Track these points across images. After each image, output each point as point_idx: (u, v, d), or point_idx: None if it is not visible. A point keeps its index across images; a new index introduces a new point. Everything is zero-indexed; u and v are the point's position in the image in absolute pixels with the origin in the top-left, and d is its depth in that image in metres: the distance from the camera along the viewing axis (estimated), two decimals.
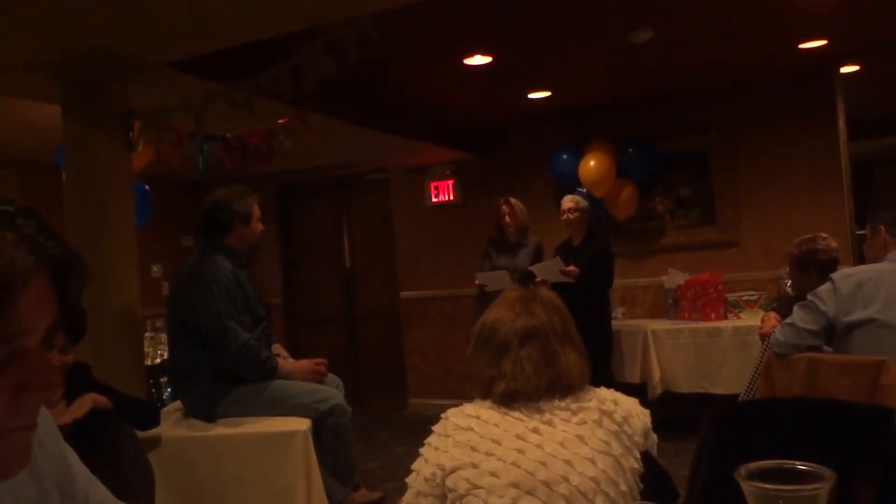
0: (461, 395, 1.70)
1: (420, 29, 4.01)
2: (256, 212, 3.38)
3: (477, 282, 5.25)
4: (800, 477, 0.89)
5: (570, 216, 5.24)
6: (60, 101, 3.46)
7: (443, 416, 1.64)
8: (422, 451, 1.62)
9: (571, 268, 4.95)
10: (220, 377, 3.17)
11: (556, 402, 1.59)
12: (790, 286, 3.96)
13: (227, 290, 3.13)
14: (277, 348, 3.53)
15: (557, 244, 5.47)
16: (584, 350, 1.71)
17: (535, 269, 5.07)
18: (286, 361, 3.37)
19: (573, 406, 1.58)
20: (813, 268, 3.35)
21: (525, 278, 4.99)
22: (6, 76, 3.55)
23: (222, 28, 3.16)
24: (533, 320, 1.67)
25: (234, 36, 3.27)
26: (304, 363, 3.40)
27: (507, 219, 5.28)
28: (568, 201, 5.29)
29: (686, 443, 4.05)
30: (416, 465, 1.61)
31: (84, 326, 2.55)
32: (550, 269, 4.99)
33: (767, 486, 0.88)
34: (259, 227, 3.40)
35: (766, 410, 2.17)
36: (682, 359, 5.23)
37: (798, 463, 0.91)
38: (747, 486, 0.89)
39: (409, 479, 1.61)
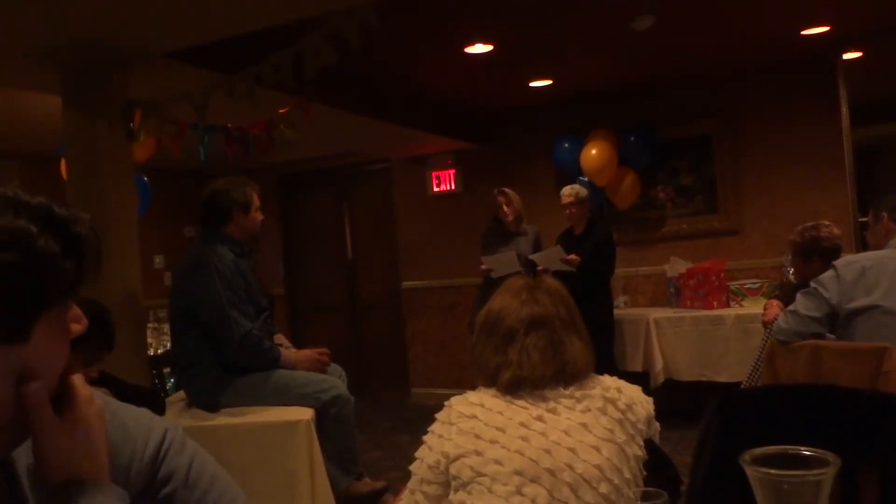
0: (463, 385, 1.70)
1: (421, 17, 4.00)
2: (256, 201, 3.38)
3: (483, 266, 5.25)
4: (804, 462, 0.89)
5: (572, 210, 5.24)
6: (61, 91, 3.46)
7: (446, 403, 1.64)
8: (425, 438, 1.62)
9: (573, 256, 4.95)
10: (223, 367, 3.17)
11: (561, 391, 1.59)
12: (792, 274, 3.95)
13: (228, 280, 3.13)
14: (279, 338, 3.53)
15: (559, 233, 5.46)
16: (589, 339, 1.70)
17: (535, 257, 5.07)
18: (289, 351, 3.37)
19: (577, 394, 1.58)
20: (816, 255, 3.34)
21: (527, 266, 4.99)
22: (7, 66, 3.54)
23: (223, 18, 3.15)
24: (539, 309, 1.66)
25: (234, 26, 3.26)
26: (307, 352, 3.40)
27: (505, 208, 5.29)
28: (566, 196, 5.28)
29: (688, 431, 4.06)
30: (419, 453, 1.61)
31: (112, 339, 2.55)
32: (551, 257, 4.99)
33: (772, 471, 0.88)
34: (259, 216, 3.40)
35: (769, 397, 2.16)
36: (684, 347, 5.23)
37: (803, 448, 0.91)
38: (752, 472, 0.89)
39: (413, 467, 1.61)
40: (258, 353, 3.15)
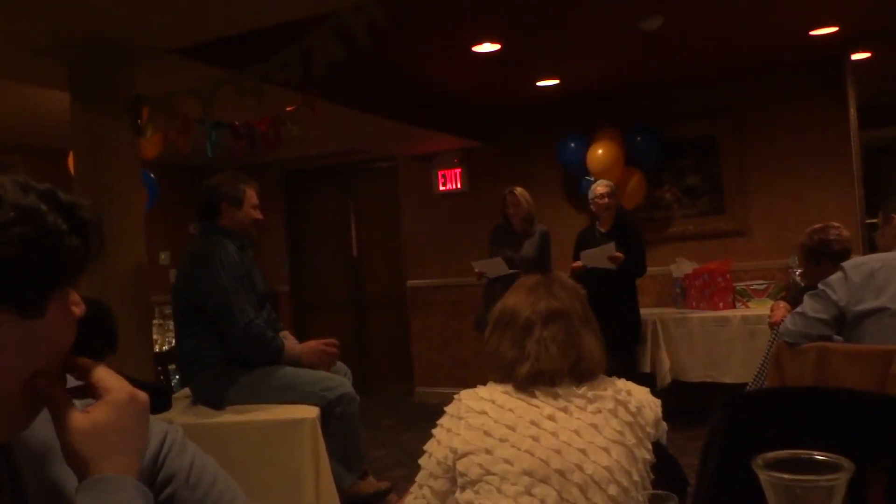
0: (467, 383, 1.69)
1: (428, 16, 3.99)
2: (252, 198, 3.34)
3: (476, 269, 5.26)
4: (817, 467, 0.89)
5: (608, 200, 5.16)
6: (69, 86, 3.46)
7: (456, 397, 1.63)
8: (434, 431, 1.61)
9: (620, 254, 4.92)
10: (228, 361, 3.17)
11: (574, 389, 1.58)
12: (799, 275, 3.92)
13: (232, 270, 3.12)
14: (285, 334, 3.52)
15: (579, 230, 5.42)
16: (602, 338, 1.70)
17: (584, 255, 5.03)
18: (294, 343, 3.36)
19: (589, 394, 1.57)
20: (826, 259, 3.30)
21: (529, 266, 4.97)
22: (15, 62, 3.55)
23: (230, 14, 3.15)
24: (556, 302, 1.66)
25: (241, 22, 3.26)
26: (313, 343, 3.37)
27: (511, 210, 5.26)
28: (601, 186, 5.18)
29: (694, 431, 4.05)
30: (428, 447, 1.61)
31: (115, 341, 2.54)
32: (599, 255, 4.95)
33: (785, 475, 0.87)
34: (254, 213, 3.35)
35: (776, 399, 2.16)
36: (690, 348, 5.22)
37: (816, 453, 0.91)
38: (764, 476, 0.89)
39: (422, 461, 1.61)
40: (262, 342, 3.14)
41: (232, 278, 3.12)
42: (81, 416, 0.84)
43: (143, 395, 0.90)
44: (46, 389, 0.83)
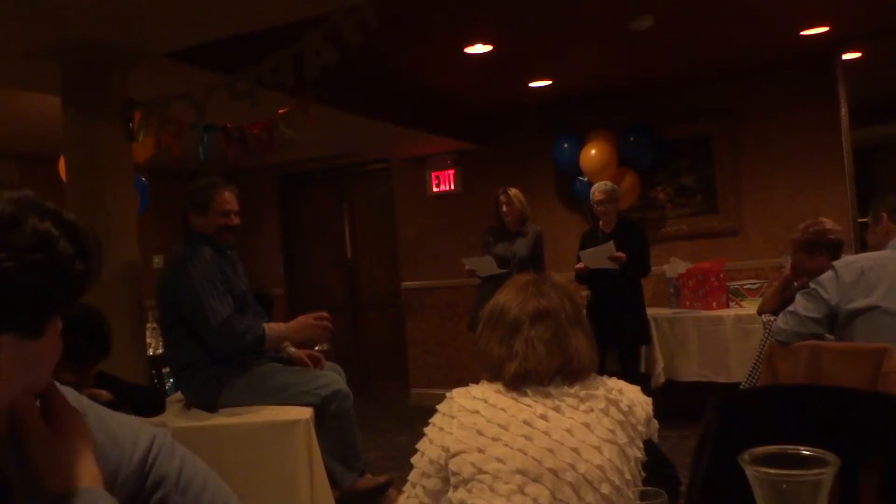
0: (463, 385, 1.69)
1: (421, 17, 4.00)
2: (221, 205, 3.28)
3: (467, 267, 5.27)
4: (804, 462, 0.90)
5: (605, 208, 5.13)
6: (60, 90, 3.45)
7: (448, 395, 1.63)
8: (426, 430, 1.61)
9: (621, 254, 4.91)
10: (217, 363, 3.17)
11: (566, 389, 1.58)
12: (788, 269, 3.91)
13: (203, 272, 3.12)
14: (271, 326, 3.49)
15: (583, 232, 5.42)
16: (594, 337, 1.70)
17: (584, 254, 5.03)
18: (278, 324, 3.30)
19: (581, 393, 1.57)
20: (824, 249, 3.32)
21: (522, 265, 4.98)
22: (6, 66, 3.54)
23: (223, 17, 3.15)
24: (545, 302, 1.66)
25: (234, 26, 3.26)
26: (301, 318, 3.32)
27: (505, 209, 5.27)
28: (599, 193, 5.12)
29: (687, 430, 4.06)
30: (420, 445, 1.61)
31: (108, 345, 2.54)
32: (599, 255, 4.94)
33: (771, 470, 0.88)
34: (219, 220, 3.28)
35: (769, 397, 2.17)
36: (683, 348, 5.23)
37: (802, 448, 0.91)
38: (751, 471, 0.89)
39: (414, 459, 1.61)
40: (236, 337, 3.12)
41: (202, 280, 3.11)
42: (50, 435, 0.88)
43: (85, 422, 0.94)
44: (19, 406, 0.87)
